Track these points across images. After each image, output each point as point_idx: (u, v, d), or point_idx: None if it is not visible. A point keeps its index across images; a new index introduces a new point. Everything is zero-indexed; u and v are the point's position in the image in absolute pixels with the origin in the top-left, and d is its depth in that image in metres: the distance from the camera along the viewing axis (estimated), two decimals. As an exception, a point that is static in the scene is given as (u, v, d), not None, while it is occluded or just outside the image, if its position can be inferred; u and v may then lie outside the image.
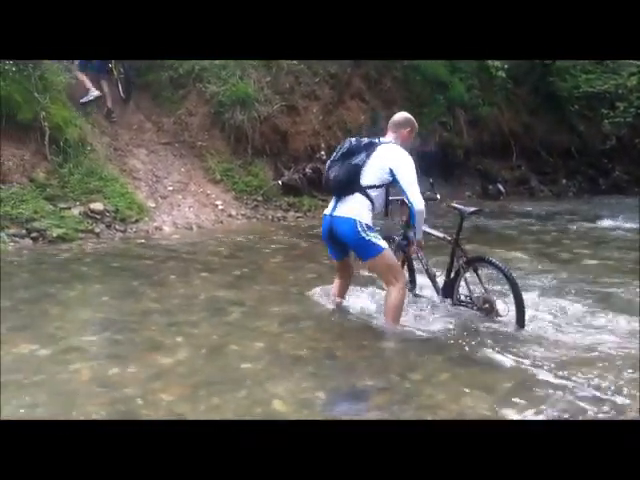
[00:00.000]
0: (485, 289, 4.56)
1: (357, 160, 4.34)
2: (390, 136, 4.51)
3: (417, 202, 4.27)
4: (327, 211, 4.50)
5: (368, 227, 4.30)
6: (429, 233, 4.92)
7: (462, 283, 4.69)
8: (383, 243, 4.36)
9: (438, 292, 4.83)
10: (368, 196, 4.34)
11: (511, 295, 4.41)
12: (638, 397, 3.31)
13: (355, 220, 4.28)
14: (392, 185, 4.43)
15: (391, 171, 4.31)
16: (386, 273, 4.40)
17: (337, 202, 4.43)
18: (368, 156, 4.35)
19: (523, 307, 4.36)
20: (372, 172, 4.34)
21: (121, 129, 9.89)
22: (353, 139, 4.47)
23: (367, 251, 4.34)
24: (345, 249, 4.56)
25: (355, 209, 4.33)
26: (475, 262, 4.61)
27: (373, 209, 4.37)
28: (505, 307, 4.47)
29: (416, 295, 5.02)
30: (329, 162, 4.52)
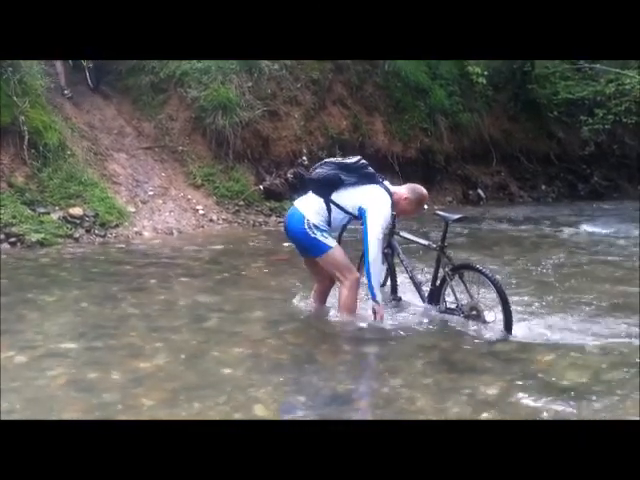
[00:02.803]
0: (471, 296, 4.52)
1: (345, 178, 4.38)
2: (394, 188, 4.53)
3: (372, 249, 4.24)
4: (296, 202, 4.60)
5: (315, 226, 4.35)
6: (414, 241, 4.94)
7: (448, 290, 4.65)
8: (331, 242, 4.41)
9: (424, 300, 4.79)
10: (329, 208, 4.38)
11: (498, 301, 4.36)
12: (638, 398, 3.31)
13: (303, 216, 4.36)
14: (355, 221, 4.49)
15: (360, 210, 4.33)
16: (334, 271, 4.45)
17: (305, 195, 4.53)
18: (358, 183, 4.39)
19: (510, 313, 4.32)
20: (347, 197, 4.38)
21: (101, 134, 9.83)
22: (364, 161, 4.47)
23: (314, 249, 4.41)
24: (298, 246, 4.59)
25: (310, 208, 4.40)
26: (461, 269, 4.58)
27: (329, 221, 4.40)
28: (492, 314, 4.45)
29: (399, 300, 5.01)
30: (328, 159, 4.58)
